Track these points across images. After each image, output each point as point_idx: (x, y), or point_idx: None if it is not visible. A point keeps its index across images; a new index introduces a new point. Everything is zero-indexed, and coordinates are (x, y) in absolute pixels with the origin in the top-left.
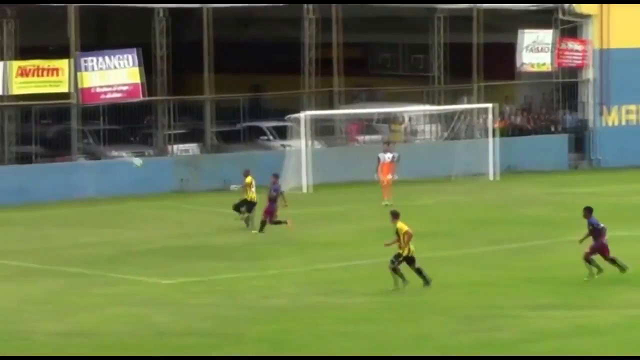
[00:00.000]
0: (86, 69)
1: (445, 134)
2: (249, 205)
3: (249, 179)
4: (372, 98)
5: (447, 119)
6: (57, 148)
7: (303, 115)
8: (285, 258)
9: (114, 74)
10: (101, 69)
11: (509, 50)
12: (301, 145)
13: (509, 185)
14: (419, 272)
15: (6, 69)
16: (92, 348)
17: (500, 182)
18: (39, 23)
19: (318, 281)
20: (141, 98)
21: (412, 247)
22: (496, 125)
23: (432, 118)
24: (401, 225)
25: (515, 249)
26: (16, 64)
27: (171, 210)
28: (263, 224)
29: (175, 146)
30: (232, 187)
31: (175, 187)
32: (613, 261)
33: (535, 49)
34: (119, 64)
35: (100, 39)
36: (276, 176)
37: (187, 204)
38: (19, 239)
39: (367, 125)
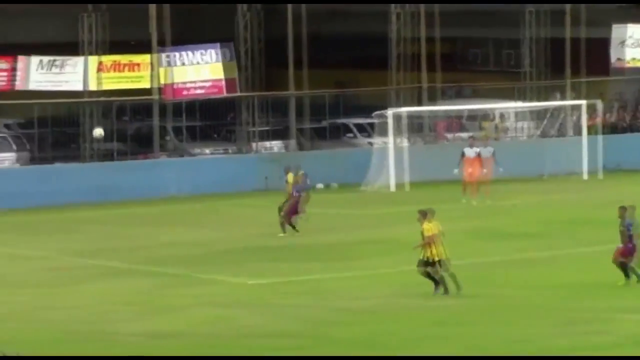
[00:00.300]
0: (169, 64)
1: (537, 132)
2: None
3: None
4: (461, 94)
5: (539, 116)
6: (139, 145)
7: (390, 112)
8: (374, 258)
9: (197, 70)
10: (184, 64)
11: (603, 46)
12: (388, 143)
13: (603, 184)
14: (427, 275)
15: (87, 64)
16: (177, 349)
17: (594, 181)
18: (121, 17)
19: (408, 283)
20: (225, 94)
21: (434, 250)
22: (590, 123)
23: (524, 115)
24: (427, 227)
25: (610, 250)
26: (97, 59)
27: (255, 208)
28: (289, 222)
29: (259, 143)
30: (318, 185)
31: (260, 186)
32: (623, 266)
33: (630, 44)
34: (202, 59)
35: (186, 33)
36: (304, 175)
37: (272, 202)
38: (102, 238)
39: (456, 122)
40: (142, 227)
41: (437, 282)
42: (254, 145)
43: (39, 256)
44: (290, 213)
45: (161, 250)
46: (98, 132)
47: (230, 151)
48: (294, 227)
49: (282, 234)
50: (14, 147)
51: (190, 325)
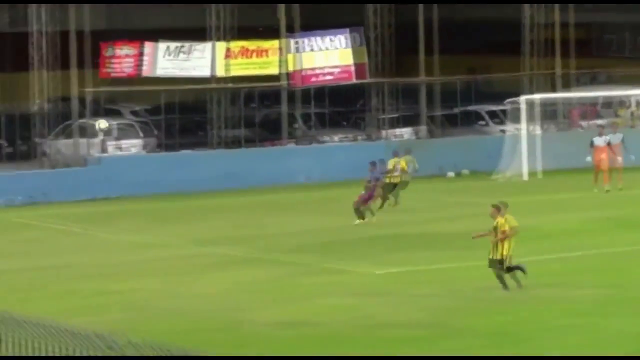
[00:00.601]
0: (297, 50)
1: None
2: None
3: (395, 162)
4: (596, 81)
5: None
6: (267, 132)
7: (523, 98)
8: None
9: (326, 55)
10: (312, 50)
11: None
12: (521, 130)
13: None
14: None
15: (214, 50)
16: (304, 339)
17: None
18: (250, 3)
19: (539, 272)
20: (354, 80)
21: (506, 246)
22: None
23: None
24: (502, 222)
25: None
26: (224, 45)
27: None
28: (358, 210)
29: (389, 130)
30: (449, 174)
31: None
32: None
33: None
34: (331, 45)
35: (314, 18)
36: (374, 164)
37: (402, 191)
38: (229, 226)
39: (590, 109)
40: (270, 215)
41: (505, 283)
42: (383, 132)
43: (166, 244)
44: (365, 201)
45: (289, 239)
46: (102, 124)
47: (359, 138)
48: (362, 215)
49: (357, 222)
50: (141, 134)
51: (318, 315)
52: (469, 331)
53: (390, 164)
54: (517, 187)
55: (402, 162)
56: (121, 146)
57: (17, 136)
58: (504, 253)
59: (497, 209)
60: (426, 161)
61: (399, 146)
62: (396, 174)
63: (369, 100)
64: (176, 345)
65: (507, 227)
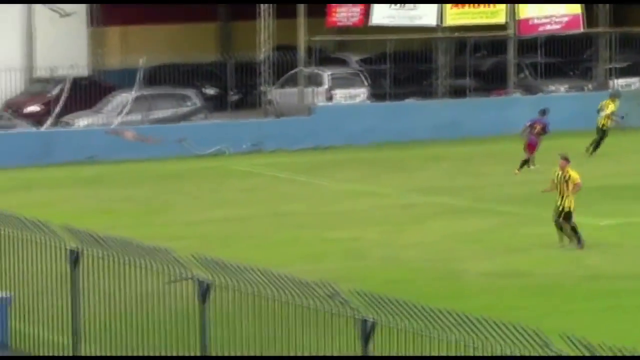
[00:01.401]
0: None
1: None
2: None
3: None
4: None
5: None
6: (492, 81)
7: None
8: None
9: (552, 5)
10: None
11: None
12: None
13: None
14: (574, 230)
15: None
16: (523, 290)
17: None
18: None
19: None
20: (581, 30)
21: (572, 200)
22: None
23: None
24: (575, 174)
25: None
26: None
27: (610, 147)
28: (525, 161)
29: (616, 81)
30: None
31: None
32: None
33: None
34: None
35: None
36: (543, 112)
37: (624, 141)
38: (451, 175)
39: None
40: (492, 164)
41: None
42: (610, 82)
43: (386, 193)
44: (533, 147)
45: (509, 189)
46: None
47: (586, 88)
48: (525, 164)
49: (532, 167)
50: (366, 83)
51: (538, 265)
52: None
53: (599, 105)
54: None
55: (607, 102)
56: (346, 95)
57: (242, 85)
58: (570, 206)
59: (567, 160)
60: None
61: (617, 91)
62: (602, 113)
63: (596, 50)
64: (395, 296)
65: (579, 181)
